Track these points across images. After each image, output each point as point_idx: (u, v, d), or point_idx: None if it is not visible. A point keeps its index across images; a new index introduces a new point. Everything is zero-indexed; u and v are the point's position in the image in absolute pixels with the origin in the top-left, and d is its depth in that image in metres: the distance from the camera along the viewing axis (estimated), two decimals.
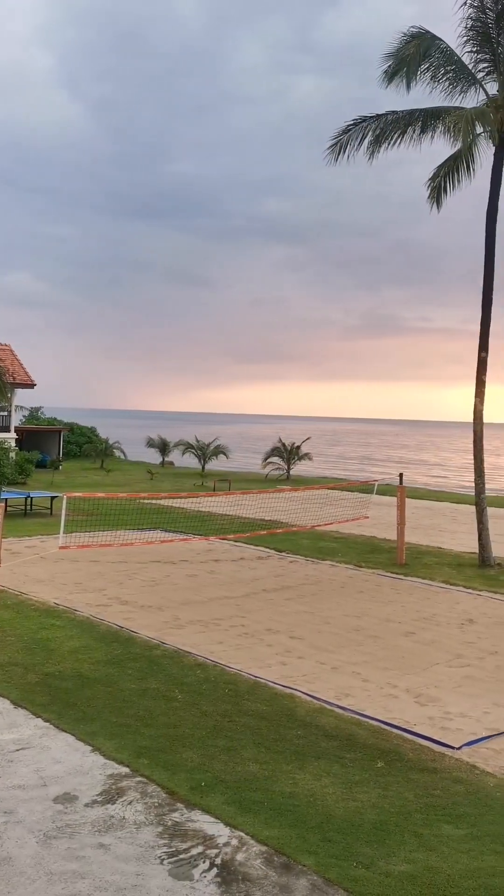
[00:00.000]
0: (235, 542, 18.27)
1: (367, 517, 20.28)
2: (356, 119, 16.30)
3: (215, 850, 5.14)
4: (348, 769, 6.55)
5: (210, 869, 4.92)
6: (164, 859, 5.02)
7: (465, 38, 15.60)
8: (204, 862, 5.00)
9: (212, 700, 8.04)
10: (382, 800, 6.01)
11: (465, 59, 15.83)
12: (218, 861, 5.01)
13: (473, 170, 16.70)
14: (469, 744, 7.17)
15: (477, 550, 16.53)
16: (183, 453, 42.56)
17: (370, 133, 16.23)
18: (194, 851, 5.12)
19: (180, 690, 8.29)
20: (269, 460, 38.70)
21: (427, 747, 7.11)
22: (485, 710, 8.11)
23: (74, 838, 5.25)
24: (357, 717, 7.78)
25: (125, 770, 6.31)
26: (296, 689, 8.48)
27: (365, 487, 23.59)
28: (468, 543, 18.01)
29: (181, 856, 5.07)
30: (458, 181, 16.88)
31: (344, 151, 16.52)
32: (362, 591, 13.79)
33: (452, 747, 7.08)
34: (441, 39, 15.54)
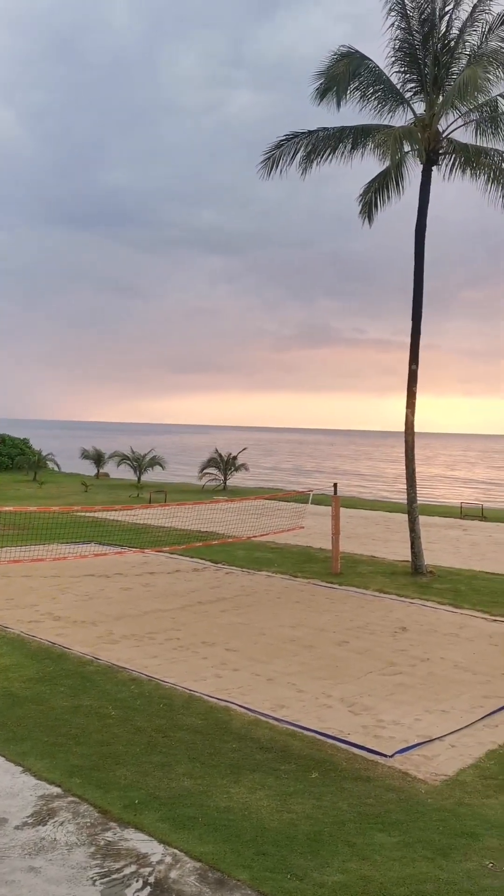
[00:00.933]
0: (171, 554, 18.17)
1: (303, 527, 20.43)
2: (288, 135, 16.52)
3: (148, 869, 5.08)
4: (283, 781, 6.57)
5: (143, 888, 4.87)
6: (96, 880, 4.94)
7: (393, 59, 16.00)
8: (137, 881, 4.94)
9: (146, 715, 7.97)
10: (316, 810, 6.04)
11: (394, 78, 16.23)
12: (151, 879, 4.96)
13: (403, 186, 17.16)
14: (401, 751, 7.29)
15: (410, 559, 16.83)
16: (118, 465, 42.15)
17: (302, 149, 16.46)
18: (127, 871, 5.06)
19: (114, 707, 8.19)
20: (205, 471, 38.68)
21: (361, 756, 7.19)
22: (416, 717, 8.25)
23: (4, 862, 5.13)
24: (292, 728, 7.82)
25: (57, 790, 6.20)
26: (231, 702, 8.47)
27: (300, 497, 23.79)
28: (401, 552, 18.32)
29: (114, 876, 5.00)
30: (388, 197, 17.32)
31: (276, 166, 16.71)
32: (298, 602, 13.87)
33: (385, 755, 7.18)
34: (370, 59, 15.88)
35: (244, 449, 41.23)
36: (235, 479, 39.84)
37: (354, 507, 31.04)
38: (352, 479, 62.58)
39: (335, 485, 17.76)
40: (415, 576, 16.34)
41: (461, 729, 7.89)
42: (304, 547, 19.79)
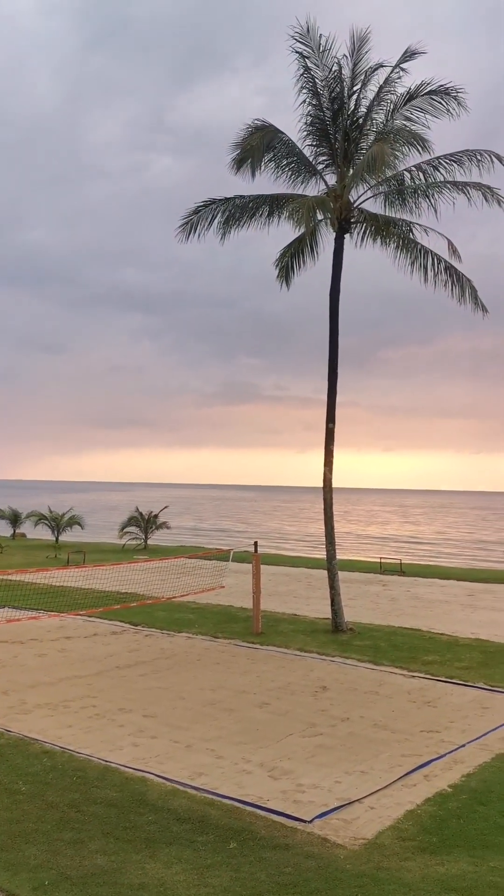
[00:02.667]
0: (89, 617, 17.73)
1: (223, 586, 20.31)
2: (205, 201, 16.96)
3: None
4: (200, 853, 6.40)
5: None
6: None
7: (305, 133, 16.73)
8: None
9: (58, 790, 7.67)
10: (234, 883, 5.90)
11: (307, 151, 16.93)
12: None
13: (317, 252, 17.77)
14: (320, 816, 7.21)
15: (330, 616, 16.90)
16: (35, 524, 41.15)
17: (219, 215, 16.92)
18: None
19: (24, 781, 7.86)
20: (126, 530, 38.13)
21: (280, 823, 7.08)
22: (336, 779, 8.19)
23: None
24: (210, 796, 7.66)
25: None
26: (148, 772, 8.24)
27: (221, 556, 23.70)
28: (323, 609, 18.37)
29: None
30: (304, 262, 17.88)
31: (195, 231, 17.09)
32: (218, 663, 13.70)
33: (304, 821, 7.09)
34: (283, 133, 16.56)
35: (165, 507, 40.94)
36: (156, 538, 39.40)
37: (276, 563, 31.07)
38: (274, 535, 62.77)
39: (255, 543, 17.79)
40: (335, 633, 16.39)
41: (380, 790, 7.87)
42: (225, 606, 19.64)
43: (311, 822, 7.08)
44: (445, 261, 16.84)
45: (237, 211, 16.92)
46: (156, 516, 38.51)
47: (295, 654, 14.46)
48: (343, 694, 11.73)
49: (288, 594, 22.41)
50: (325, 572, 17.37)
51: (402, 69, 16.06)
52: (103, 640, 15.51)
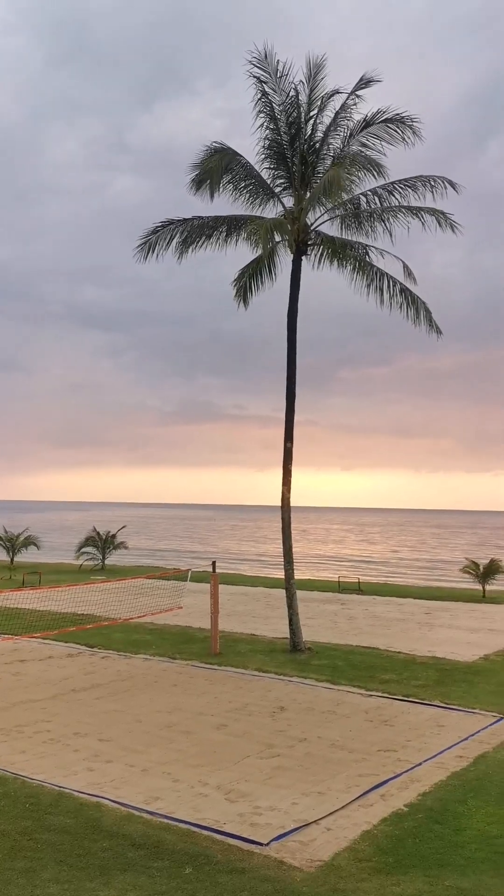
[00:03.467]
0: (44, 640, 17.44)
1: (181, 607, 20.17)
2: (163, 222, 17.05)
3: None
4: (155, 880, 6.31)
5: None
6: None
7: (263, 156, 16.94)
8: None
9: (10, 817, 7.51)
10: None
11: (265, 174, 17.15)
12: None
13: (275, 273, 17.93)
14: (277, 838, 7.17)
15: (289, 636, 16.88)
16: None
17: (178, 235, 17.01)
18: None
19: None
20: (83, 550, 37.67)
21: (236, 846, 7.02)
22: (293, 800, 8.16)
23: None
24: (166, 821, 7.56)
25: None
26: (103, 797, 8.11)
27: (179, 576, 23.56)
28: (281, 628, 18.36)
29: None
30: (262, 283, 18.03)
31: (153, 251, 17.15)
32: (176, 685, 13.58)
33: (261, 844, 7.04)
34: (242, 156, 16.75)
35: (123, 527, 40.60)
36: (114, 558, 39.01)
37: (235, 583, 30.99)
38: (233, 554, 62.63)
39: (213, 563, 17.74)
40: (294, 653, 16.38)
41: (337, 811, 7.86)
42: (183, 627, 19.51)
43: (267, 844, 7.03)
44: (401, 283, 17.14)
45: (195, 231, 17.03)
46: (113, 536, 38.15)
47: (253, 675, 14.41)
48: (301, 714, 11.71)
49: (246, 614, 22.35)
50: (284, 592, 17.38)
51: (358, 96, 16.40)
52: (59, 663, 15.28)
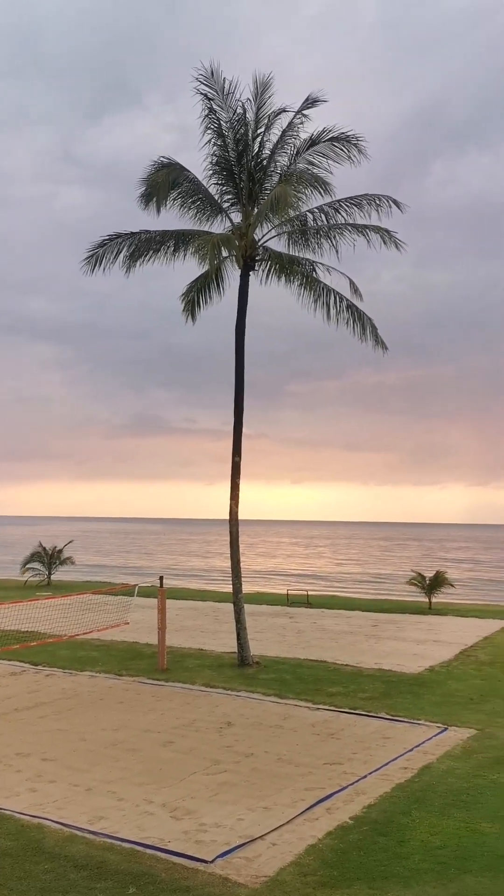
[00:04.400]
0: None
1: (128, 622, 19.97)
2: (111, 235, 17.01)
3: None
4: None
5: None
6: None
7: (211, 172, 17.05)
8: None
9: None
10: None
11: (213, 189, 17.25)
12: None
13: (223, 288, 17.97)
14: (222, 855, 7.13)
15: (237, 650, 16.85)
16: None
17: (125, 248, 16.98)
18: None
19: None
20: (28, 566, 36.99)
21: (181, 865, 6.96)
22: (239, 816, 8.13)
23: None
24: (110, 840, 7.46)
25: None
26: (45, 818, 7.97)
27: (127, 591, 23.33)
28: (229, 643, 18.31)
29: None
30: (210, 297, 18.03)
31: (100, 264, 17.08)
32: (122, 702, 13.43)
33: (206, 861, 7.00)
34: (189, 171, 16.84)
35: (70, 541, 40.04)
36: (60, 574, 38.42)
37: (183, 598, 30.82)
38: (182, 569, 62.29)
39: (161, 577, 17.62)
40: (241, 667, 16.35)
41: (282, 825, 7.86)
42: (130, 643, 19.32)
43: (212, 861, 6.99)
44: (347, 299, 17.37)
45: (143, 245, 17.02)
46: (60, 551, 37.58)
47: (200, 690, 14.33)
48: (248, 729, 11.68)
49: (194, 629, 22.24)
50: (232, 606, 17.35)
51: (304, 115, 16.64)
52: (1, 682, 14.97)
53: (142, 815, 8.19)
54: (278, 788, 9.03)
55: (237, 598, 17.08)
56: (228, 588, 27.69)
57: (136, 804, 8.50)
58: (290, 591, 31.97)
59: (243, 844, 7.39)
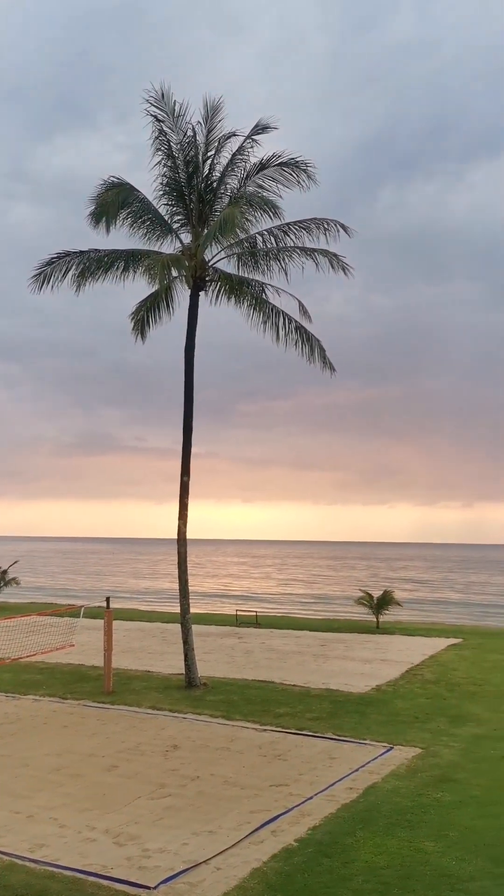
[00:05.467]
0: None
1: (74, 645, 19.66)
2: (59, 253, 16.91)
3: None
4: None
5: None
6: None
7: (161, 193, 17.11)
8: None
9: None
10: None
11: (163, 210, 17.31)
12: None
13: (173, 308, 18.00)
14: (165, 881, 7.04)
15: (184, 671, 16.71)
16: None
17: (74, 267, 16.90)
18: None
19: None
20: None
21: (123, 891, 6.85)
22: (183, 841, 8.04)
23: None
24: (51, 868, 7.31)
25: None
26: None
27: (73, 612, 22.99)
28: (177, 664, 18.15)
29: None
30: (159, 317, 18.05)
31: (48, 281, 16.96)
32: (66, 726, 13.19)
33: (148, 887, 6.90)
34: (139, 191, 16.88)
35: (15, 562, 39.32)
36: (4, 595, 37.64)
37: (131, 619, 30.49)
38: (130, 589, 61.59)
39: (108, 598, 17.41)
40: (189, 689, 16.22)
41: (227, 849, 7.80)
42: (75, 665, 19.01)
43: (155, 888, 6.90)
44: (296, 321, 17.56)
45: (92, 264, 16.96)
46: (4, 572, 36.85)
47: (147, 713, 14.16)
48: (194, 752, 11.58)
49: (142, 650, 22.00)
50: (181, 626, 17.22)
51: (254, 140, 16.83)
52: None
53: (84, 841, 8.04)
54: (224, 812, 8.96)
55: (185, 619, 16.97)
56: (177, 608, 27.55)
57: (78, 831, 8.34)
58: (239, 611, 31.87)
59: (187, 870, 7.31)
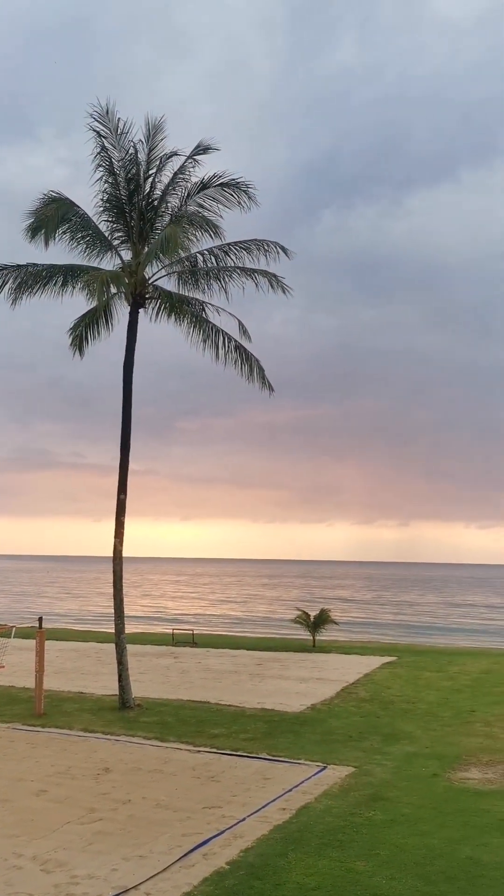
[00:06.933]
0: None
1: (4, 666, 19.17)
2: None
3: None
4: None
5: None
6: None
7: (102, 209, 17.05)
8: None
9: None
10: None
11: (103, 226, 17.24)
12: None
13: (112, 324, 17.88)
14: None
15: (118, 692, 16.46)
16: None
17: (10, 280, 16.66)
18: None
19: None
20: None
21: None
22: (113, 867, 7.88)
23: None
24: None
25: None
26: None
27: (3, 633, 22.44)
28: (111, 685, 17.88)
29: None
30: (98, 333, 17.88)
31: None
32: None
33: None
34: (79, 206, 16.78)
35: None
36: None
37: (65, 639, 29.93)
38: (64, 608, 60.47)
39: (40, 618, 17.08)
40: (123, 710, 15.98)
41: (157, 874, 7.67)
42: (5, 687, 18.53)
43: None
44: (236, 340, 17.66)
45: (30, 278, 16.76)
46: None
47: (78, 736, 13.89)
48: (126, 775, 11.39)
49: (75, 671, 21.59)
50: (115, 646, 16.98)
51: (196, 160, 16.95)
52: None
53: (10, 869, 7.80)
54: (155, 835, 8.83)
55: (119, 639, 16.75)
56: (112, 628, 27.18)
57: (4, 858, 8.09)
58: (175, 631, 31.61)
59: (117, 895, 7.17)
